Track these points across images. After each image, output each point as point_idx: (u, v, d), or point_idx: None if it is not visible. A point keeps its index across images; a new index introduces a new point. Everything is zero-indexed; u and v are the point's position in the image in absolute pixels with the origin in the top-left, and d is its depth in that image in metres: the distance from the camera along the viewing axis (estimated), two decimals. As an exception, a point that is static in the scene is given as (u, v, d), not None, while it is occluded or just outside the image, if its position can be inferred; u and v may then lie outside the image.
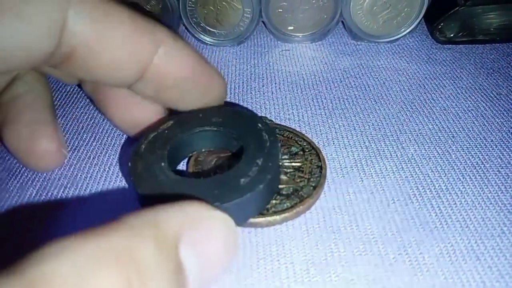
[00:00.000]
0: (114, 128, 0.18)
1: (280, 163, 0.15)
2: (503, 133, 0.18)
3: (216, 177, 0.13)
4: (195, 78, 0.14)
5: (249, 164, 0.13)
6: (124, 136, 0.18)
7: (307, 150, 0.16)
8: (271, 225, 0.14)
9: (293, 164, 0.15)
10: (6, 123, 0.15)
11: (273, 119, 0.19)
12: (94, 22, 0.12)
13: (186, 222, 0.09)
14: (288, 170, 0.15)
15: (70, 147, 0.17)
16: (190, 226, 0.09)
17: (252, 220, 0.13)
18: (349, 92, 0.21)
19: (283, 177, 0.15)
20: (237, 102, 0.20)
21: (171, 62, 0.14)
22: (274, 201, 0.14)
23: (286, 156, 0.16)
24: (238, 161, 0.13)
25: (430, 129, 0.18)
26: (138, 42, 0.13)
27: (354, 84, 0.21)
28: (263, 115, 0.19)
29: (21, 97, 0.15)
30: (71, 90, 0.21)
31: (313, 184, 0.14)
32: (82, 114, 0.19)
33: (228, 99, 0.21)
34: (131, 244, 0.08)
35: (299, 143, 0.16)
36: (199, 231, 0.09)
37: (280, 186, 0.14)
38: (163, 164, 0.13)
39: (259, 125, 0.14)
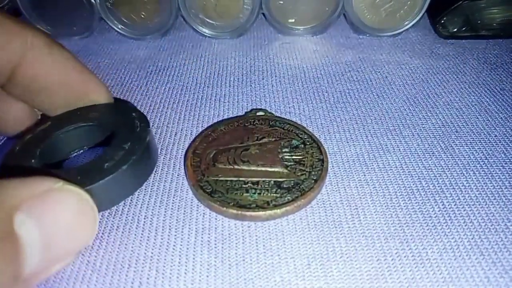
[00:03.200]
0: None
1: (280, 156, 0.15)
2: (507, 128, 0.17)
3: (82, 164, 0.13)
4: (68, 84, 0.15)
5: (115, 149, 0.13)
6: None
7: (308, 143, 0.16)
8: (272, 218, 0.13)
9: (294, 157, 0.15)
10: None
11: (273, 112, 0.18)
12: None
13: (27, 194, 0.09)
14: (289, 163, 0.15)
15: None
16: (32, 197, 0.09)
17: (252, 213, 0.13)
18: (351, 85, 0.20)
19: (283, 170, 0.15)
20: (236, 94, 0.20)
21: (40, 66, 0.14)
22: (274, 195, 0.14)
23: (286, 149, 0.15)
24: (106, 148, 0.14)
25: (433, 123, 0.18)
26: (3, 44, 0.13)
27: (356, 78, 0.21)
28: (262, 107, 0.19)
29: None
30: None
31: (315, 178, 0.14)
32: None
33: (227, 92, 0.20)
34: None
35: (300, 136, 0.16)
36: (43, 202, 0.09)
37: (281, 180, 0.14)
38: (33, 160, 0.13)
39: (133, 114, 0.15)
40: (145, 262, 0.12)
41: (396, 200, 0.14)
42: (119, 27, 0.25)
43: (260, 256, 0.12)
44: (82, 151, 0.16)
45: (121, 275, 0.12)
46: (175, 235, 0.13)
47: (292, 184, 0.14)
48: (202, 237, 0.13)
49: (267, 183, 0.14)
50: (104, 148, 0.14)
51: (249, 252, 0.13)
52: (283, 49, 0.24)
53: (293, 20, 0.24)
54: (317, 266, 0.12)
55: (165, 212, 0.14)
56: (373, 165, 0.16)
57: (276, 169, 0.15)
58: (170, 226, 0.13)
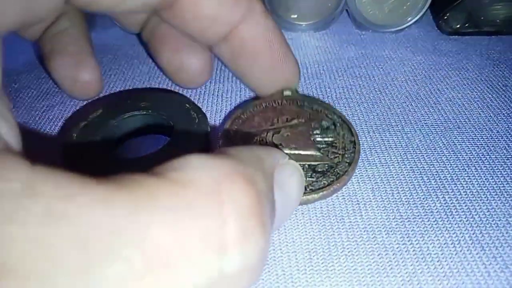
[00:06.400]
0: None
1: (312, 139, 0.15)
2: (509, 124, 0.17)
3: (152, 155, 0.13)
4: (271, 54, 0.16)
5: (180, 140, 0.14)
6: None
7: (338, 124, 0.15)
8: (309, 203, 0.13)
9: (326, 139, 0.15)
10: (53, 54, 0.17)
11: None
12: None
13: (276, 164, 0.10)
14: (321, 146, 0.14)
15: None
16: (278, 167, 0.10)
17: None
18: (353, 81, 0.20)
19: (316, 153, 0.14)
20: (239, 90, 0.20)
21: (255, 32, 0.15)
22: (310, 179, 0.13)
23: (317, 131, 0.15)
24: (170, 139, 0.14)
25: (435, 119, 0.18)
26: (232, 5, 0.14)
27: (359, 74, 0.21)
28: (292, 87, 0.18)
29: (66, 31, 0.17)
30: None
31: (348, 161, 0.14)
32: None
33: (229, 87, 0.20)
34: (249, 171, 0.08)
35: (329, 116, 0.16)
36: (283, 174, 0.10)
37: (315, 163, 0.14)
38: (96, 150, 0.14)
39: (187, 105, 0.15)
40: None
41: (397, 195, 0.14)
42: (122, 22, 0.25)
43: (262, 249, 0.13)
44: (134, 139, 0.17)
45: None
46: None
47: (327, 167, 0.14)
48: (204, 231, 0.13)
49: (301, 167, 0.14)
50: (168, 140, 0.14)
51: (251, 245, 0.13)
52: (285, 45, 0.24)
53: (295, 16, 0.24)
54: (318, 260, 0.12)
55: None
56: (374, 161, 0.16)
57: (309, 152, 0.14)
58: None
